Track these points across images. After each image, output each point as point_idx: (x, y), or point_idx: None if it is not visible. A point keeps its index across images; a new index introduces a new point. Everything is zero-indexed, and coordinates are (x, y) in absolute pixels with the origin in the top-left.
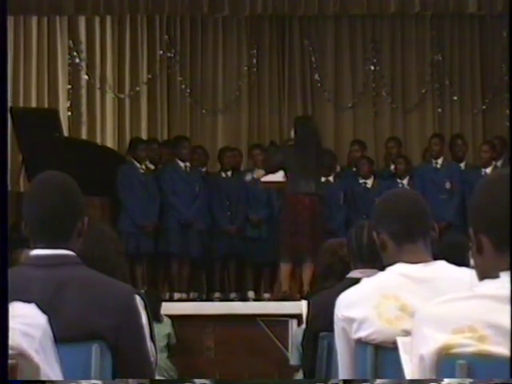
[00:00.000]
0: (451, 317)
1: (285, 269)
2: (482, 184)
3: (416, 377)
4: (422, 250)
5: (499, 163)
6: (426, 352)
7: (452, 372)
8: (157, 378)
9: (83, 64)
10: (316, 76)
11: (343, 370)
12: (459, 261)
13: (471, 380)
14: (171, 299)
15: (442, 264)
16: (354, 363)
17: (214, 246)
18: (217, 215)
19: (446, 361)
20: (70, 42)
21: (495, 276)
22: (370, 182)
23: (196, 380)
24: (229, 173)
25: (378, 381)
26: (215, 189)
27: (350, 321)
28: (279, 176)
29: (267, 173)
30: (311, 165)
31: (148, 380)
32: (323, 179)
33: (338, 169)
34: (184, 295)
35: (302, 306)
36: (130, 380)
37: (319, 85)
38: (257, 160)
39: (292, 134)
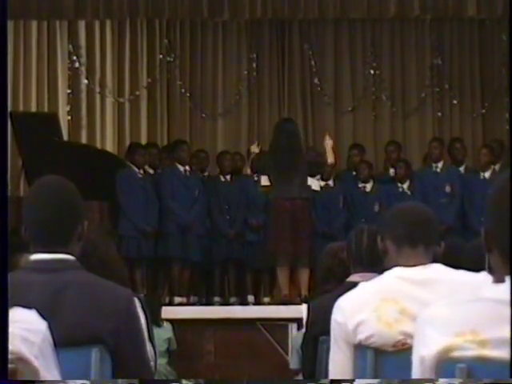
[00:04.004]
0: (454, 319)
1: (281, 273)
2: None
3: (416, 377)
4: (421, 254)
5: (497, 167)
6: (427, 353)
7: (452, 375)
8: None
9: (83, 68)
10: (316, 80)
11: (337, 373)
12: (458, 264)
13: (462, 380)
14: (171, 303)
15: (438, 267)
16: (351, 368)
17: (214, 250)
18: (216, 219)
19: (446, 363)
20: (70, 46)
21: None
22: (369, 186)
23: (183, 380)
24: (228, 177)
25: (362, 380)
26: (214, 193)
27: (349, 324)
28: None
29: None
30: (290, 168)
31: (137, 380)
32: (323, 183)
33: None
34: (184, 299)
35: (302, 310)
36: (120, 380)
37: (319, 89)
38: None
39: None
